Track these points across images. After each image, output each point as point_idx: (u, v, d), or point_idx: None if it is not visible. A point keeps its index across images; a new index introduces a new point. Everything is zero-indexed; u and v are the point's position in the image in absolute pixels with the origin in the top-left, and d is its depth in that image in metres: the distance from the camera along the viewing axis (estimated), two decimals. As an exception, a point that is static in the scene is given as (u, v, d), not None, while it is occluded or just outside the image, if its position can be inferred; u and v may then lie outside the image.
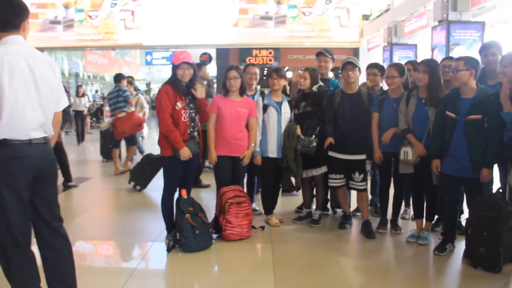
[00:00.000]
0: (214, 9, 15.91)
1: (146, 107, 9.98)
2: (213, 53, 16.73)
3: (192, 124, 4.27)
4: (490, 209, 3.76)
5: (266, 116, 4.84)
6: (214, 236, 4.48)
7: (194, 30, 15.81)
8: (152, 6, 15.77)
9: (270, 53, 16.40)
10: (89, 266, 4.09)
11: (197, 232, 4.19)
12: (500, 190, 3.98)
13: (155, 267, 4.12)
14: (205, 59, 6.88)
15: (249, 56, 16.17)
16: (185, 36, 15.78)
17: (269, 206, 5.09)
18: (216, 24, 15.90)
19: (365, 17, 17.72)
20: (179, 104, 4.16)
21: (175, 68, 4.19)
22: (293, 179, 4.96)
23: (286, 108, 4.90)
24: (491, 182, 4.09)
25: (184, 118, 4.19)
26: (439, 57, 10.05)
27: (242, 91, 4.66)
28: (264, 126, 4.85)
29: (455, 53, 9.62)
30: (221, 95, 4.76)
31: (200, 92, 4.33)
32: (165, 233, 4.44)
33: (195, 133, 4.30)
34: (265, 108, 4.86)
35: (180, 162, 4.18)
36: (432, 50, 10.89)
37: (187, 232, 4.15)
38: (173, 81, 4.20)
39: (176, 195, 4.36)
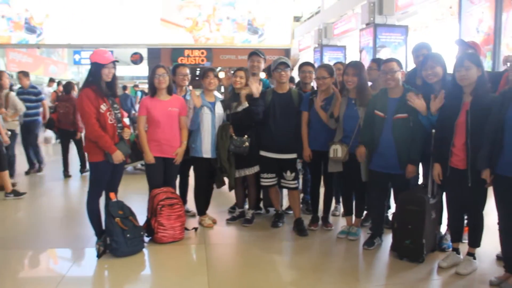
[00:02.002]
0: (145, 7, 15.62)
1: (21, 109, 7.29)
2: (144, 53, 16.46)
3: (119, 125, 4.16)
4: (414, 203, 3.93)
5: (201, 117, 4.80)
6: (146, 239, 4.39)
7: (124, 29, 15.45)
8: (80, 3, 15.23)
9: (202, 53, 16.33)
10: (15, 275, 3.87)
11: (128, 235, 4.08)
12: (423, 186, 4.20)
13: (85, 274, 3.96)
14: (136, 59, 6.71)
15: (181, 56, 16.02)
16: (115, 35, 15.39)
17: (202, 207, 5.05)
18: (147, 23, 15.62)
19: (296, 19, 18.05)
20: (103, 107, 4.02)
21: (101, 67, 4.03)
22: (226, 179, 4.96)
23: (219, 108, 4.89)
24: (417, 178, 4.29)
25: (111, 120, 4.07)
26: (367, 58, 10.43)
27: (170, 90, 4.59)
28: (198, 126, 4.80)
29: (382, 54, 10.02)
30: (148, 96, 4.66)
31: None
32: (94, 238, 4.30)
33: (124, 134, 4.19)
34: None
35: (110, 166, 4.06)
36: (360, 51, 11.28)
37: (118, 236, 4.03)
38: (96, 82, 4.03)
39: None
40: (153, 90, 4.56)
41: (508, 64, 3.90)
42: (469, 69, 3.54)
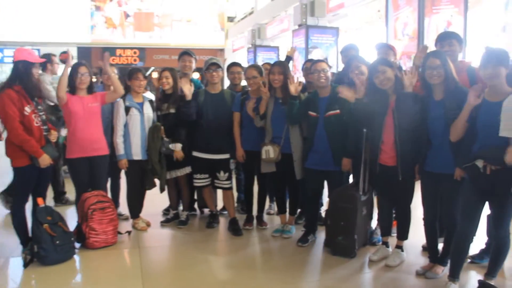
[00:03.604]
0: (75, 3, 15.09)
1: None
2: (74, 52, 15.88)
3: (45, 127, 3.97)
4: (346, 201, 4.04)
5: (129, 118, 4.68)
6: (77, 245, 4.23)
7: (52, 26, 14.83)
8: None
9: (135, 53, 16.00)
10: None
11: (57, 242, 3.90)
12: (354, 183, 4.33)
13: (11, 286, 3.74)
14: (65, 58, 6.48)
15: (113, 56, 15.62)
16: (43, 32, 14.74)
17: (135, 209, 4.94)
18: (77, 21, 15.10)
19: (230, 19, 18.07)
20: (28, 109, 3.81)
21: (31, 66, 3.84)
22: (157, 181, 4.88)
23: (148, 109, 4.79)
24: (348, 176, 4.43)
25: (37, 123, 3.87)
26: (299, 59, 10.60)
27: (90, 89, 4.43)
28: (127, 128, 4.69)
29: (314, 55, 10.21)
30: (67, 93, 4.42)
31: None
32: (20, 247, 4.07)
33: (51, 137, 4.01)
34: (127, 110, 4.70)
35: (36, 170, 3.87)
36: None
37: (46, 244, 3.84)
38: (24, 82, 3.81)
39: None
40: (73, 88, 4.35)
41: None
42: (385, 72, 3.70)
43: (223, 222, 5.11)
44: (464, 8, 6.82)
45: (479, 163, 3.04)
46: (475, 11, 7.14)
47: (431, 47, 4.05)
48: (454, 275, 3.33)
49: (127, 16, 16.62)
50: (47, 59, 5.62)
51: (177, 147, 4.72)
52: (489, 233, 3.78)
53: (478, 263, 3.80)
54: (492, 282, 3.26)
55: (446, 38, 3.86)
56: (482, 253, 3.86)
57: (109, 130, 4.76)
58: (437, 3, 7.27)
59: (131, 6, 16.68)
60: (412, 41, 7.55)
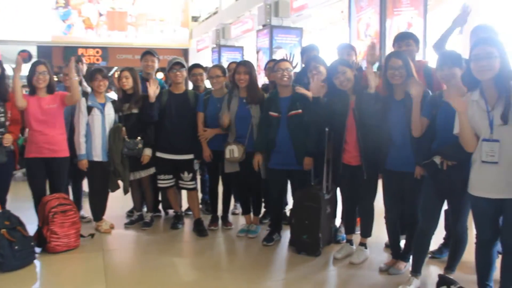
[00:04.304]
0: (35, 3, 14.70)
1: None
2: (33, 51, 15.46)
3: (1, 129, 3.84)
4: (310, 199, 4.08)
5: (91, 118, 4.59)
6: (38, 249, 4.11)
7: (11, 23, 14.39)
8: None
9: (97, 52, 15.71)
10: None
11: (16, 247, 3.78)
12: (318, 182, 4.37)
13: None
14: (24, 56, 6.30)
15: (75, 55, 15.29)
16: (1, 30, 14.29)
17: (98, 212, 4.84)
18: (37, 19, 14.71)
19: (195, 19, 17.97)
20: None
21: None
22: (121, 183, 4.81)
23: (109, 109, 4.71)
24: (311, 175, 4.46)
25: None
26: (263, 59, 10.64)
27: (50, 89, 4.33)
28: (88, 128, 4.60)
29: (278, 55, 10.26)
30: (26, 95, 4.34)
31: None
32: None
33: (4, 141, 3.87)
34: (89, 109, 4.61)
35: None
36: (257, 52, 11.48)
37: (4, 249, 3.71)
38: None
39: None
40: (32, 88, 4.25)
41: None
42: (345, 72, 3.76)
43: (188, 223, 5.08)
44: (423, 11, 7.00)
45: (437, 160, 3.13)
46: (434, 14, 7.33)
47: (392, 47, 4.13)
48: (416, 270, 3.41)
49: (100, 15, 16.38)
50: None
51: (146, 151, 4.68)
52: (447, 227, 3.89)
53: (438, 258, 3.91)
54: (451, 276, 3.34)
55: (404, 39, 3.95)
56: (441, 248, 3.97)
57: (67, 130, 4.66)
58: (398, 5, 7.43)
59: (104, 5, 16.40)
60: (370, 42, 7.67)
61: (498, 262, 3.01)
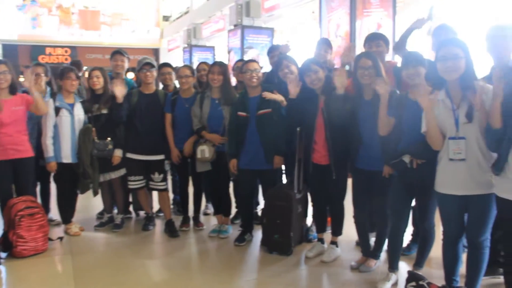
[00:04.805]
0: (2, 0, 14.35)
1: None
2: (-2, 50, 15.11)
3: None
4: (281, 199, 4.09)
5: (59, 119, 4.50)
6: (3, 254, 4.02)
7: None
8: None
9: (66, 51, 15.41)
10: None
11: (-20, 253, 3.69)
12: (289, 181, 4.39)
13: None
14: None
15: (42, 55, 14.98)
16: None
17: (66, 214, 4.75)
18: (2, 17, 14.35)
19: (166, 18, 17.84)
20: None
21: None
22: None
23: (79, 110, 4.62)
24: (281, 175, 4.48)
25: None
26: (235, 59, 10.63)
27: (12, 89, 4.19)
28: (56, 130, 4.51)
29: (249, 55, 10.28)
30: None
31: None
32: None
33: None
34: (57, 110, 4.51)
35: None
36: (229, 52, 11.47)
37: (-33, 255, 3.63)
38: None
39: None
40: None
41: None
42: (317, 72, 3.79)
43: (159, 224, 5.04)
44: (393, 12, 7.15)
45: (406, 159, 3.18)
46: (403, 15, 7.47)
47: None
48: (393, 267, 3.49)
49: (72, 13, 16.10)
50: None
51: (117, 152, 4.61)
52: (414, 223, 3.99)
53: (407, 254, 3.96)
54: (420, 272, 3.42)
55: (374, 39, 4.02)
56: (410, 245, 4.04)
57: (35, 132, 4.56)
58: (368, 6, 7.54)
59: (76, 4, 16.13)
60: (345, 42, 7.76)
61: (464, 257, 3.09)
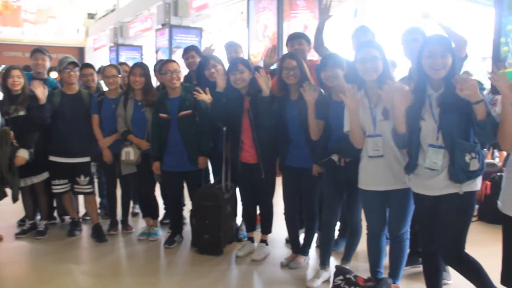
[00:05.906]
0: None
1: None
2: None
3: None
4: (209, 199, 4.08)
5: None
6: None
7: None
8: None
9: (-20, 49, 14.57)
10: None
11: None
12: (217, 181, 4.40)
13: None
14: None
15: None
16: None
17: (-16, 222, 4.50)
18: None
19: (91, 16, 17.30)
20: None
21: None
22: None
23: None
24: (208, 175, 4.47)
25: None
26: (162, 58, 10.48)
27: None
28: None
29: (177, 55, 10.19)
30: None
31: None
32: None
33: None
34: None
35: None
36: (156, 52, 11.32)
37: None
38: None
39: None
40: None
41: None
42: (243, 72, 3.82)
43: (86, 229, 4.88)
44: (318, 14, 7.33)
45: (335, 157, 3.30)
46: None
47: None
48: (324, 263, 3.59)
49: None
50: None
51: (20, 152, 4.30)
52: (341, 219, 4.11)
53: (335, 250, 4.08)
54: (347, 266, 3.54)
55: (296, 38, 4.13)
56: (338, 240, 4.16)
57: None
58: (294, 8, 7.71)
59: None
60: (272, 43, 7.89)
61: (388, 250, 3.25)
